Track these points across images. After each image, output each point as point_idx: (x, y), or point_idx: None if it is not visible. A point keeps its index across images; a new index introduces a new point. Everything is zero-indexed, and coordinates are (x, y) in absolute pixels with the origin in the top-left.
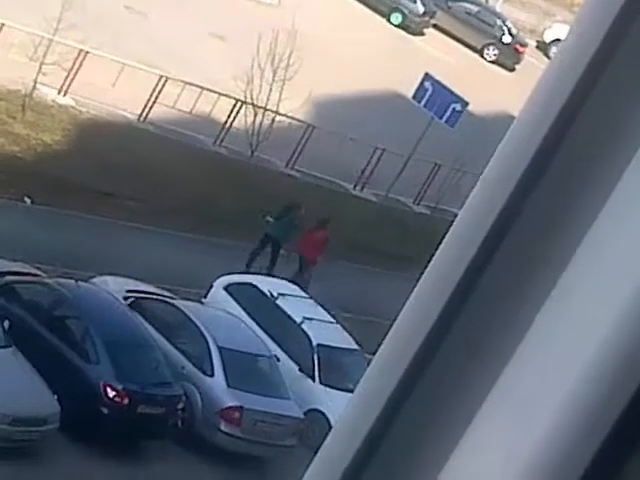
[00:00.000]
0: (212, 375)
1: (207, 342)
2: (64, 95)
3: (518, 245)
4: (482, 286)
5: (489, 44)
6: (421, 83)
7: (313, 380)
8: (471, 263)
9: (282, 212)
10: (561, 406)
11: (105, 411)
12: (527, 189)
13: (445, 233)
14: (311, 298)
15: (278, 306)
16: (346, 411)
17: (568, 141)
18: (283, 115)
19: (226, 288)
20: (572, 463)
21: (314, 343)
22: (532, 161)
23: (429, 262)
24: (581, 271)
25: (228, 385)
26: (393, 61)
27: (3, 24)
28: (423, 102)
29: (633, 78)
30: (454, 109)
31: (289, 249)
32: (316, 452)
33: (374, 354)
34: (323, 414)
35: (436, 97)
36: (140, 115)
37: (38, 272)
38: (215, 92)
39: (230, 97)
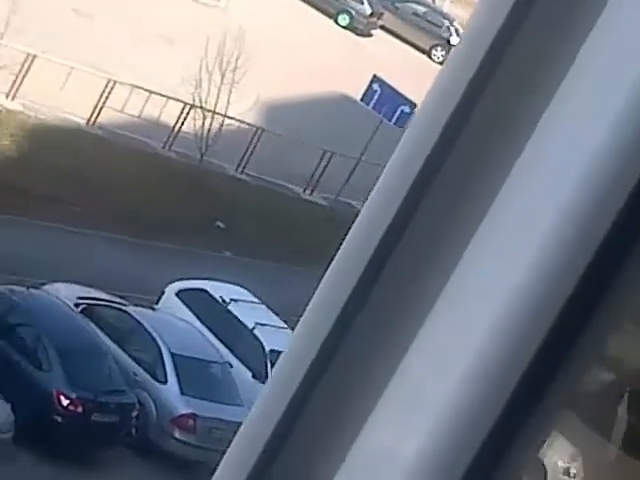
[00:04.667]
0: (165, 382)
1: (160, 349)
2: (12, 99)
3: (437, 203)
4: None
5: (437, 45)
6: (369, 85)
7: None
8: (378, 246)
9: None
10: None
11: (59, 419)
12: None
13: None
14: (263, 304)
15: (230, 312)
16: (256, 406)
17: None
18: (232, 118)
19: (178, 294)
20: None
21: (267, 349)
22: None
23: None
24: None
25: (181, 392)
26: (341, 63)
27: None
28: (371, 104)
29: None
30: (402, 111)
31: None
32: None
33: None
34: None
35: (384, 99)
36: (89, 119)
37: None
38: (163, 95)
39: (179, 100)
